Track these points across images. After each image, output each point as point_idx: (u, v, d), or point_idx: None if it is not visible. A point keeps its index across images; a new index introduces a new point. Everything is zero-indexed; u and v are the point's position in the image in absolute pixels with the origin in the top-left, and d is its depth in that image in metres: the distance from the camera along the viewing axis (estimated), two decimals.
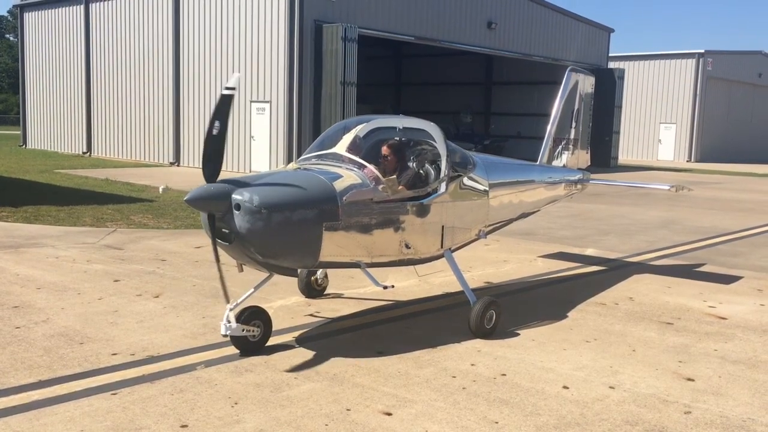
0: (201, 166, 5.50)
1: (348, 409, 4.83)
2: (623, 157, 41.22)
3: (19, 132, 38.80)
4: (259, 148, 24.56)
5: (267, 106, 24.16)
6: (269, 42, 23.87)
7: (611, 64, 37.78)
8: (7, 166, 23.61)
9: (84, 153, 31.69)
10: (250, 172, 20.93)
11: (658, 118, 46.22)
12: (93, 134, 31.61)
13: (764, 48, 70.37)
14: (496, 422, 4.71)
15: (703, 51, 44.64)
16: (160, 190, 17.76)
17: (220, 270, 5.64)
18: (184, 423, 4.53)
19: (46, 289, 7.80)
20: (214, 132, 5.40)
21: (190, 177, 21.33)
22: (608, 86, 34.19)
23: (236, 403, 4.87)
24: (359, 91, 23.79)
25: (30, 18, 35.00)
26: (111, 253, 9.87)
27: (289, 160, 22.38)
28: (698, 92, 44.71)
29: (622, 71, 36.09)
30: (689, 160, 44.57)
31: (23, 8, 35.40)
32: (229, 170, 24.56)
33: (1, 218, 12.59)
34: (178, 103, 27.34)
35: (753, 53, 50.12)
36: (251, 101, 24.64)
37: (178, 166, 27.32)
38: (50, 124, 34.19)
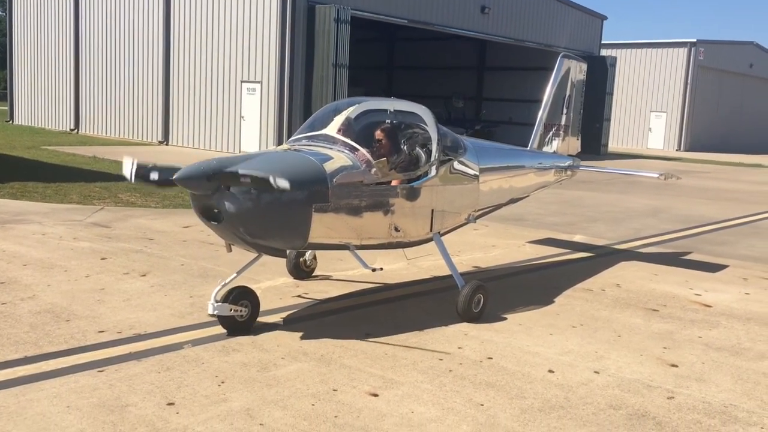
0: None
1: (335, 390, 4.85)
2: (613, 144, 41.32)
3: (6, 108, 38.40)
4: (249, 128, 24.44)
5: (258, 86, 24.00)
6: (261, 22, 23.67)
7: (603, 52, 37.79)
8: None
9: (72, 130, 31.41)
10: (240, 152, 20.83)
11: (648, 107, 46.35)
12: (81, 111, 31.32)
13: (756, 38, 70.53)
14: (482, 404, 4.74)
15: (695, 40, 44.71)
16: None
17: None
18: (171, 401, 4.54)
19: (33, 265, 7.75)
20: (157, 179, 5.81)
21: (178, 156, 21.18)
22: (600, 73, 34.13)
23: (223, 382, 4.88)
24: (351, 73, 23.66)
25: None
26: (98, 231, 9.82)
27: (280, 141, 22.30)
28: (689, 81, 44.84)
29: (614, 59, 36.10)
30: (679, 149, 44.77)
31: None
32: (219, 150, 24.45)
33: None
34: (167, 82, 27.10)
35: (744, 43, 50.28)
36: (242, 81, 24.48)
37: (166, 144, 27.15)
38: (38, 101, 33.84)
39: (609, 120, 35.67)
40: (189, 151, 24.57)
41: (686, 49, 44.68)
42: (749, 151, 45.60)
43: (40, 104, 33.75)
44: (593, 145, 33.96)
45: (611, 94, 35.18)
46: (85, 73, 30.79)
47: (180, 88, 26.75)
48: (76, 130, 31.30)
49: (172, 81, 26.94)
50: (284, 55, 23.13)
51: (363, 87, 31.27)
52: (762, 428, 4.62)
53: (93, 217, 10.92)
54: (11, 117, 35.61)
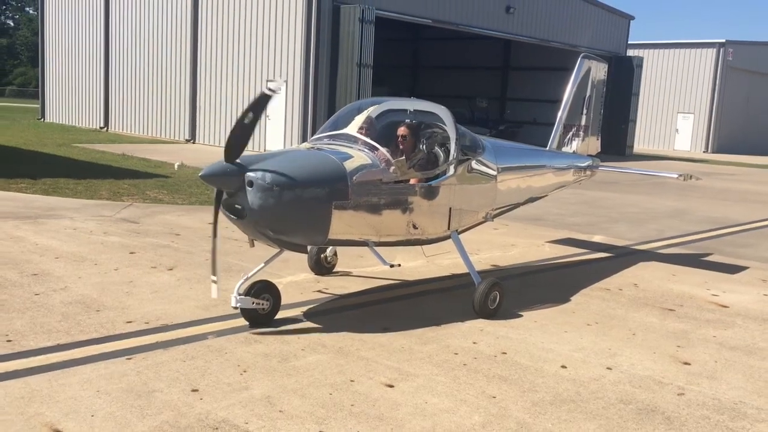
0: (224, 147, 5.65)
1: (352, 380, 5.02)
2: (640, 145, 41.04)
3: (37, 105, 39.20)
4: (274, 127, 24.73)
5: (283, 85, 24.26)
6: (287, 22, 23.96)
7: (630, 52, 37.53)
8: (26, 139, 23.94)
9: (101, 128, 32.01)
10: (264, 150, 21.11)
11: (676, 108, 45.93)
12: (110, 109, 31.91)
13: None
14: (494, 397, 4.88)
15: (724, 41, 44.21)
16: (176, 166, 17.94)
17: (214, 245, 5.82)
18: (195, 387, 4.74)
19: (64, 258, 8.04)
20: (246, 121, 5.58)
21: (205, 154, 21.54)
22: (626, 74, 34.00)
23: (245, 371, 5.07)
24: (375, 73, 23.85)
25: None
26: (127, 227, 10.10)
27: (304, 139, 22.54)
28: (717, 82, 44.34)
29: (641, 59, 35.87)
30: (706, 151, 44.30)
31: None
32: None
33: (21, 190, 12.87)
34: (194, 81, 27.53)
35: None
36: (267, 80, 24.76)
37: (193, 143, 27.56)
38: (68, 99, 34.52)
39: (634, 121, 35.50)
40: (215, 149, 24.92)
41: (715, 50, 44.21)
42: None
43: (70, 102, 34.42)
44: (618, 146, 33.82)
45: (637, 94, 34.99)
46: (115, 72, 31.36)
47: (207, 87, 27.15)
48: (105, 128, 31.89)
49: (199, 80, 27.36)
50: (309, 54, 23.39)
51: (387, 86, 31.46)
52: None
53: (122, 213, 11.22)
54: (42, 115, 36.36)
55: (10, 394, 4.51)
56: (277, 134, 24.59)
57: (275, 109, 24.56)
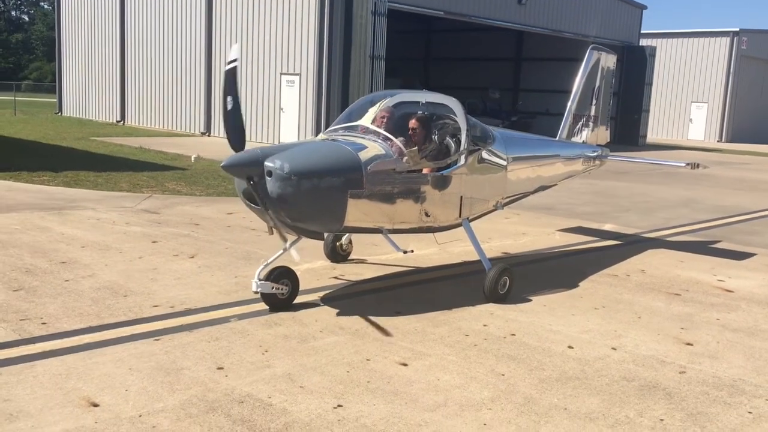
0: (227, 140, 5.95)
1: (368, 359, 5.29)
2: (653, 135, 40.97)
3: (53, 100, 39.73)
4: (288, 119, 25.02)
5: (296, 78, 24.54)
6: (300, 15, 24.20)
7: (643, 42, 37.44)
8: (44, 133, 24.39)
9: (118, 122, 32.44)
10: (279, 143, 21.40)
11: (689, 97, 45.72)
12: (127, 103, 32.33)
13: None
14: (503, 374, 5.14)
15: (737, 29, 43.92)
16: (192, 159, 18.23)
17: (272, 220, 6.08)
18: (220, 365, 5.04)
19: (90, 247, 8.36)
20: (229, 107, 5.85)
21: (221, 147, 21.78)
22: (639, 64, 33.96)
23: (266, 351, 5.36)
24: (388, 65, 24.04)
25: None
26: (148, 217, 10.42)
27: (317, 132, 22.77)
28: (731, 71, 44.10)
29: (654, 49, 35.80)
30: (720, 140, 44.13)
31: None
32: (258, 141, 25.08)
33: (44, 182, 13.24)
34: (209, 74, 27.85)
35: None
36: (281, 74, 25.05)
37: (209, 136, 27.91)
38: (85, 93, 34.98)
39: (648, 111, 35.43)
40: None
41: (728, 39, 43.94)
42: None
43: (87, 97, 34.89)
44: (631, 136, 33.87)
45: (650, 84, 34.92)
46: (131, 66, 31.76)
47: (222, 80, 27.42)
48: (122, 122, 32.32)
49: (214, 74, 27.67)
50: (322, 47, 23.63)
51: (400, 78, 31.63)
52: (767, 400, 4.92)
53: (142, 204, 11.55)
54: (60, 109, 36.88)
55: (48, 371, 4.82)
56: (291, 127, 24.89)
57: (289, 102, 24.85)
